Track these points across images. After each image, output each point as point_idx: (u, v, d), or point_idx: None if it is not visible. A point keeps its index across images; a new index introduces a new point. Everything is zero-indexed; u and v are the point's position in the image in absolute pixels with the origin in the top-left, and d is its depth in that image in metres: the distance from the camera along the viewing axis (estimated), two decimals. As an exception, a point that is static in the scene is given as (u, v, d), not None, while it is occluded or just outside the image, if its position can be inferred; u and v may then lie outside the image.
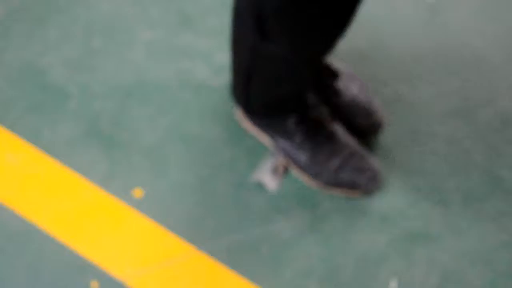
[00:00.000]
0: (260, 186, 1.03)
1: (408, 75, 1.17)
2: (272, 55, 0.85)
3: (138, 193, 1.02)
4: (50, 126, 1.09)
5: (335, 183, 1.00)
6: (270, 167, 1.04)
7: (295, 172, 1.03)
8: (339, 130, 1.02)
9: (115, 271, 0.96)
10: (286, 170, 1.04)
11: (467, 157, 1.08)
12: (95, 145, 1.07)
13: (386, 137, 1.09)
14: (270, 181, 1.03)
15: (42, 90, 1.12)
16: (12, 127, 1.08)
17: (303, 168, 1.01)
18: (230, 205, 1.02)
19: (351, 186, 1.00)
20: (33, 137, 1.07)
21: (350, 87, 1.06)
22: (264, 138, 1.05)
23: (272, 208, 1.02)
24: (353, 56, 1.18)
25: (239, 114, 1.07)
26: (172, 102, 1.12)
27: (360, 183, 1.00)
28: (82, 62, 1.16)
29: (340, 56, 1.17)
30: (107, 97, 1.12)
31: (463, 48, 1.21)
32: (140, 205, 1.01)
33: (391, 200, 1.03)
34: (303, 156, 1.01)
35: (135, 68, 1.16)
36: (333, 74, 1.06)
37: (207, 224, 1.00)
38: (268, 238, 0.99)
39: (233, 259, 0.97)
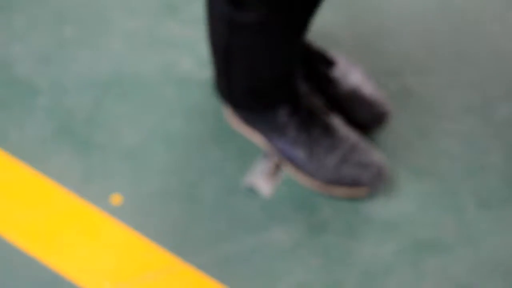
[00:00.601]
0: (252, 191, 1.06)
1: (418, 66, 1.19)
2: (249, 26, 0.88)
3: (116, 199, 1.05)
4: (17, 125, 1.11)
5: (336, 180, 1.03)
6: (264, 170, 1.06)
7: (291, 172, 1.06)
8: (338, 121, 1.05)
9: (91, 286, 0.98)
10: (281, 173, 1.07)
11: (483, 158, 1.10)
12: (68, 146, 1.09)
13: (392, 134, 1.12)
14: (263, 186, 1.06)
15: (7, 85, 1.14)
16: (-25, 127, 1.10)
17: (299, 166, 1.04)
18: (219, 212, 1.04)
19: (354, 183, 1.03)
20: (-1, 138, 1.09)
21: (350, 76, 1.09)
22: (256, 137, 1.08)
23: (265, 215, 1.04)
24: (356, 44, 1.21)
25: (228, 113, 1.09)
26: (154, 98, 1.14)
27: (364, 179, 1.03)
28: (52, 53, 1.18)
29: (342, 44, 1.20)
30: (82, 93, 1.14)
31: (480, 36, 1.23)
32: (118, 213, 1.03)
33: (397, 205, 1.06)
34: (299, 152, 1.03)
35: (112, 61, 1.18)
36: (328, 62, 1.09)
37: (193, 233, 1.03)
38: (261, 249, 1.01)
39: (222, 272, 0.99)
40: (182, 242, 1.02)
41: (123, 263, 0.99)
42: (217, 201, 1.05)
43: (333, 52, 1.12)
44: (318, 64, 1.08)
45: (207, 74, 1.16)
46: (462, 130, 1.13)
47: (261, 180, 1.06)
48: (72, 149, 1.08)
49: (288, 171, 1.06)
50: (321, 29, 1.22)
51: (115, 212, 1.03)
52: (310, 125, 1.03)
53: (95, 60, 1.18)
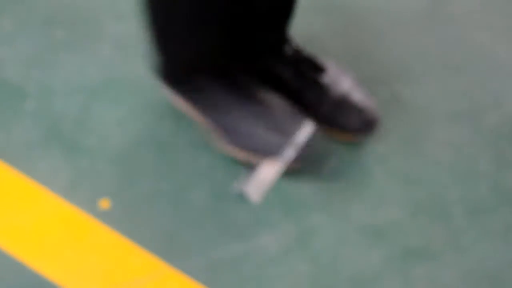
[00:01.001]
0: (242, 197, 1.06)
1: (407, 73, 1.20)
2: None
3: (104, 204, 1.04)
4: (4, 129, 1.10)
5: (253, 148, 1.04)
6: (254, 176, 1.07)
7: (222, 146, 1.06)
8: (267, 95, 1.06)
9: (78, 292, 0.98)
10: (271, 179, 1.07)
11: (472, 165, 1.11)
12: (56, 150, 1.08)
13: (381, 141, 1.12)
14: (253, 191, 1.06)
15: (-4, 88, 1.14)
16: (-38, 130, 1.09)
17: (232, 139, 1.04)
18: (208, 218, 1.04)
19: (268, 151, 1.03)
20: (-14, 141, 1.08)
21: (340, 82, 1.09)
22: (195, 114, 1.07)
23: (255, 221, 1.04)
24: (346, 52, 1.21)
25: (163, 90, 1.09)
26: (143, 102, 1.14)
27: (283, 147, 1.03)
28: (41, 57, 1.18)
29: (332, 51, 1.20)
30: (70, 97, 1.14)
31: (468, 44, 1.24)
32: (107, 218, 1.03)
33: (386, 212, 1.06)
34: (228, 123, 1.04)
35: (101, 65, 1.18)
36: (317, 68, 1.09)
37: (182, 238, 1.02)
38: (250, 255, 1.01)
39: (211, 278, 0.99)
40: (170, 248, 1.01)
41: (111, 268, 0.99)
42: (206, 206, 1.05)
43: (323, 59, 1.12)
44: (307, 70, 1.09)
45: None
46: (451, 138, 1.13)
47: (250, 186, 1.06)
48: (60, 153, 1.08)
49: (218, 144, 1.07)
50: (311, 36, 1.23)
51: (103, 216, 1.03)
52: (234, 90, 1.04)
53: (84, 64, 1.17)
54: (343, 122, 1.09)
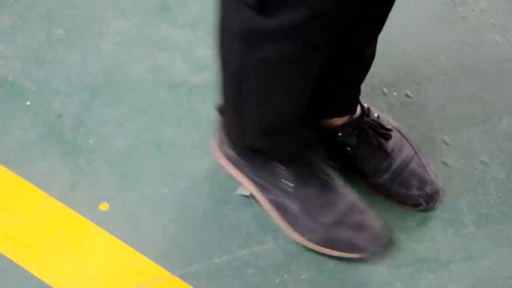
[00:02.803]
0: (245, 202, 1.04)
1: (419, 76, 1.18)
2: (268, 35, 0.73)
3: (103, 207, 1.03)
4: (1, 128, 1.09)
5: (329, 242, 0.98)
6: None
7: (280, 226, 1.00)
8: (338, 179, 1.00)
9: (75, 297, 0.97)
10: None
11: (483, 172, 1.09)
12: (54, 151, 1.07)
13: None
14: (257, 196, 1.04)
15: (-6, 86, 1.13)
16: (-42, 128, 1.08)
17: (290, 220, 0.98)
18: (210, 223, 1.02)
19: (348, 247, 0.98)
20: (-18, 140, 1.07)
21: (403, 149, 1.02)
22: (244, 182, 1.02)
23: (258, 226, 1.02)
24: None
25: (216, 151, 1.03)
26: (145, 102, 1.13)
27: (359, 244, 0.97)
28: (40, 54, 1.17)
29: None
30: (70, 96, 1.13)
31: (481, 45, 1.23)
32: (105, 222, 1.01)
33: (395, 219, 1.04)
34: (291, 205, 0.98)
35: (103, 63, 1.17)
36: (383, 134, 1.02)
37: (183, 244, 1.01)
38: (254, 262, 1.00)
39: (212, 286, 0.97)
40: (170, 253, 1.00)
41: (108, 274, 0.98)
42: (208, 211, 1.03)
43: (385, 118, 1.06)
44: (372, 136, 1.01)
45: (201, 79, 1.15)
46: (462, 142, 1.12)
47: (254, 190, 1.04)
48: (58, 154, 1.07)
49: (279, 223, 1.01)
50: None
51: (102, 220, 1.02)
52: (308, 178, 0.97)
53: (85, 61, 1.17)
54: (403, 195, 1.03)
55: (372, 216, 0.99)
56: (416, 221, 1.04)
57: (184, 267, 0.98)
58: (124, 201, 1.03)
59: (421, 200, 1.02)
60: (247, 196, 1.04)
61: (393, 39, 1.22)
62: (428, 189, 1.02)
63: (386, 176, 1.02)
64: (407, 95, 1.16)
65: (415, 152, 1.04)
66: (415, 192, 1.02)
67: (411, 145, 1.05)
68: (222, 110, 0.95)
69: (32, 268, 0.97)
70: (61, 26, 1.20)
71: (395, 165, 1.02)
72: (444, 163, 1.09)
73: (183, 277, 0.98)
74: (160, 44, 1.19)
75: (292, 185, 0.97)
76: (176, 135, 1.10)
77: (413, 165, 1.03)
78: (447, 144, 1.11)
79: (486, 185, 1.08)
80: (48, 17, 1.20)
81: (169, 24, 1.21)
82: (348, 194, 0.99)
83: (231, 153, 0.99)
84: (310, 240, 0.98)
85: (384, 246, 0.99)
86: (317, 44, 0.75)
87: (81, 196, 1.03)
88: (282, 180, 0.97)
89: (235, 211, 1.03)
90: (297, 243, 1.01)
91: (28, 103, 1.12)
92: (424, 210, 1.03)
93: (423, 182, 1.02)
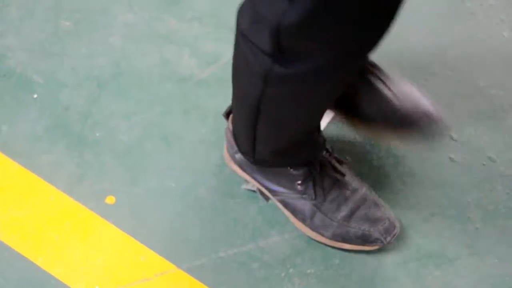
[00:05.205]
0: (251, 196, 1.04)
1: (426, 71, 1.18)
2: (289, 78, 0.75)
3: (109, 200, 1.03)
4: (8, 120, 1.09)
5: (344, 236, 0.98)
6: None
7: (295, 225, 1.01)
8: (348, 173, 1.00)
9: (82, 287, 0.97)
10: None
11: (491, 168, 1.09)
12: (61, 143, 1.07)
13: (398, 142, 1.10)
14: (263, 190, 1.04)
15: (1, 78, 1.12)
16: (-34, 120, 1.08)
17: (305, 219, 0.99)
18: (216, 217, 1.02)
19: (364, 240, 0.98)
20: (-10, 132, 1.07)
21: (411, 90, 1.01)
22: (256, 185, 1.02)
23: (264, 221, 1.02)
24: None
25: (227, 156, 1.04)
26: (152, 95, 1.12)
27: (374, 236, 0.98)
28: (48, 46, 1.17)
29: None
30: (77, 88, 1.13)
31: (490, 41, 1.22)
32: (111, 215, 1.01)
33: (402, 214, 1.04)
34: (305, 205, 0.98)
35: (110, 56, 1.16)
36: (383, 78, 1.02)
37: (189, 238, 1.01)
38: (259, 256, 0.99)
39: (218, 279, 0.97)
40: (176, 246, 1.00)
41: (113, 266, 0.98)
42: (214, 205, 1.03)
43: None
44: (375, 80, 1.02)
45: (208, 73, 1.14)
46: (469, 138, 1.11)
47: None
48: (64, 147, 1.07)
49: (292, 222, 1.01)
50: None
51: (108, 213, 1.02)
52: (319, 178, 0.98)
53: (92, 54, 1.16)
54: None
55: (384, 207, 1.00)
56: (422, 217, 1.04)
57: (190, 261, 0.99)
58: (131, 194, 1.03)
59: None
60: (253, 191, 1.04)
61: (401, 34, 1.21)
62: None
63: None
64: (414, 90, 1.15)
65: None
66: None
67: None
68: (233, 125, 0.96)
69: (39, 260, 0.97)
70: (68, 19, 1.20)
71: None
72: (451, 159, 1.09)
73: (189, 270, 0.98)
74: (168, 38, 1.18)
75: (303, 186, 0.98)
76: (183, 129, 1.09)
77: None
78: (454, 140, 1.11)
79: (493, 181, 1.07)
80: (56, 9, 1.20)
81: (177, 18, 1.21)
82: (359, 188, 1.00)
83: (240, 157, 1.00)
84: (324, 236, 0.99)
85: (397, 236, 0.99)
86: (331, 83, 0.78)
87: (87, 189, 1.03)
88: (293, 182, 0.98)
89: (241, 205, 1.03)
90: (303, 238, 1.01)
91: (35, 95, 1.12)
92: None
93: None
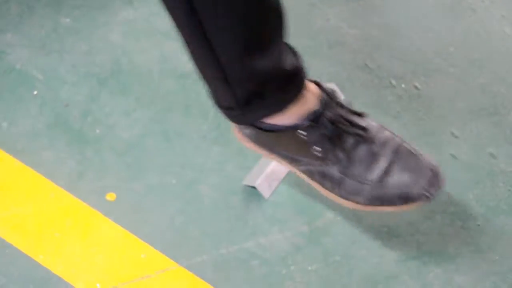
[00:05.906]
0: (252, 193, 1.04)
1: (427, 68, 1.17)
2: None
3: (110, 197, 1.03)
4: (8, 117, 1.09)
5: (382, 197, 0.87)
6: (266, 171, 1.04)
7: (328, 197, 0.92)
8: (373, 124, 0.88)
9: (82, 286, 0.96)
10: (283, 174, 1.05)
11: (492, 164, 1.08)
12: (61, 140, 1.07)
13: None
14: (264, 187, 1.04)
15: (0, 75, 1.12)
16: (-35, 117, 1.08)
17: (335, 187, 0.89)
18: (217, 214, 1.02)
19: (401, 198, 0.87)
20: (-10, 129, 1.07)
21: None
22: (278, 160, 0.93)
23: (265, 218, 1.02)
24: (364, 45, 1.19)
25: (240, 135, 0.96)
26: (153, 92, 1.12)
27: (413, 191, 0.86)
28: (48, 43, 1.16)
29: (350, 44, 1.18)
30: (77, 85, 1.12)
31: (491, 38, 1.22)
32: (112, 212, 1.01)
33: (402, 213, 1.04)
34: (331, 171, 0.87)
35: (110, 52, 1.16)
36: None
37: (189, 235, 1.00)
38: (260, 253, 0.99)
39: (218, 276, 0.97)
40: (177, 243, 1.00)
41: (114, 264, 0.98)
42: (215, 202, 1.03)
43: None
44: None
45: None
46: (470, 135, 1.11)
47: (262, 181, 1.03)
48: (64, 144, 1.07)
49: (322, 193, 0.92)
50: (329, 28, 1.20)
51: (109, 210, 1.02)
52: (336, 137, 0.86)
53: (92, 50, 1.16)
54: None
55: (422, 155, 0.88)
56: (423, 214, 1.03)
57: (190, 258, 0.98)
58: (131, 191, 1.03)
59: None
60: (253, 187, 1.04)
61: (402, 30, 1.21)
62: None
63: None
64: (415, 87, 1.15)
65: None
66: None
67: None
68: (203, 81, 0.87)
69: (39, 258, 0.97)
70: (68, 15, 1.19)
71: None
72: (452, 155, 1.09)
73: (190, 267, 0.98)
74: (168, 34, 1.18)
75: (320, 149, 0.86)
76: (184, 125, 1.09)
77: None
78: (455, 136, 1.11)
79: (495, 178, 1.07)
80: (56, 6, 1.20)
81: (177, 13, 1.20)
82: (388, 139, 0.88)
83: (251, 131, 0.91)
84: (358, 203, 0.88)
85: (441, 185, 0.87)
86: None
87: (88, 186, 1.03)
88: (310, 147, 0.87)
89: (242, 202, 1.03)
90: (304, 235, 1.00)
91: (35, 92, 1.11)
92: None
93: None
